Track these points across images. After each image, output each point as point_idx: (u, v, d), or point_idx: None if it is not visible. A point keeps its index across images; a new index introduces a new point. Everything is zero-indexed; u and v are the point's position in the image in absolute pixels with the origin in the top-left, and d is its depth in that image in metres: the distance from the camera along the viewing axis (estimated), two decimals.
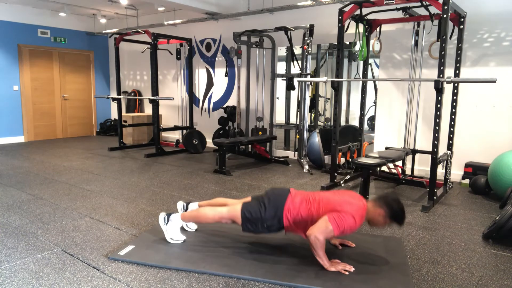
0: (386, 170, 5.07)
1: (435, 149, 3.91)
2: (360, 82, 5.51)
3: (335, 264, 2.52)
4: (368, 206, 2.56)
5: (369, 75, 5.80)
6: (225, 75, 7.07)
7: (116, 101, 7.38)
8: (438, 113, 3.87)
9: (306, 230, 2.53)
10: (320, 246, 2.44)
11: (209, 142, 7.61)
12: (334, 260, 2.56)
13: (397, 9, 4.54)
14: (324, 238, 2.43)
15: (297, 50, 6.19)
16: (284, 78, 6.34)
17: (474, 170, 4.71)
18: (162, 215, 2.91)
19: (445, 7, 3.71)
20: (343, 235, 2.52)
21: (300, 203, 2.62)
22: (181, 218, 2.88)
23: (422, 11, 4.65)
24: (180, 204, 3.18)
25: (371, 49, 5.33)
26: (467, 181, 4.80)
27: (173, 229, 2.90)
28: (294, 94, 7.20)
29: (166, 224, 2.89)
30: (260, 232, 2.69)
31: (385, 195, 2.60)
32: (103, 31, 8.88)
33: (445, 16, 3.72)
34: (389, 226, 2.63)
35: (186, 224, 3.13)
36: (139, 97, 7.32)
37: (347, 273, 2.45)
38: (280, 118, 7.27)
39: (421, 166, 5.18)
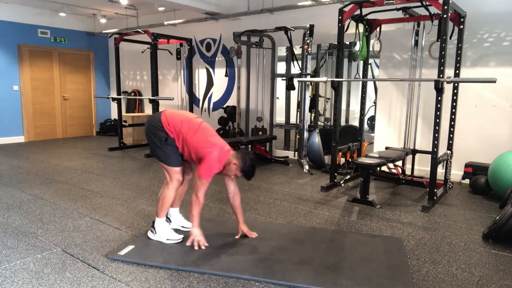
0: (386, 170, 5.07)
1: (435, 149, 3.91)
2: (360, 82, 5.51)
3: (199, 233, 2.79)
4: (231, 154, 2.80)
5: (369, 75, 5.80)
6: (225, 75, 7.07)
7: (116, 101, 7.38)
8: (438, 113, 3.87)
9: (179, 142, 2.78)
10: (196, 207, 2.72)
11: None
12: (201, 232, 2.81)
13: (397, 9, 4.54)
14: (203, 194, 2.72)
15: (297, 50, 6.19)
16: (284, 78, 6.34)
17: (474, 170, 4.71)
18: (148, 232, 2.98)
19: (445, 7, 3.71)
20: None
21: (173, 116, 2.82)
22: (158, 217, 2.91)
23: (422, 11, 4.65)
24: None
25: (371, 49, 5.33)
26: (467, 181, 4.80)
27: (164, 231, 2.92)
28: (294, 94, 7.20)
29: (156, 233, 2.92)
30: (165, 152, 2.80)
31: (245, 151, 2.87)
32: (103, 31, 8.88)
33: (445, 16, 3.72)
34: (238, 177, 2.87)
35: (182, 226, 3.14)
36: (139, 97, 7.32)
37: (196, 247, 2.75)
38: (280, 118, 7.27)
39: (421, 166, 5.18)
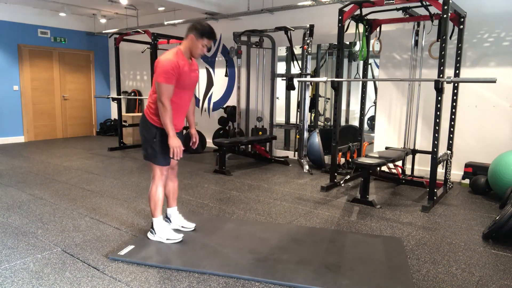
0: (386, 170, 5.07)
1: (435, 149, 3.91)
2: (360, 82, 5.51)
3: (177, 142, 2.71)
4: (181, 44, 2.75)
5: (369, 75, 5.80)
6: (225, 75, 7.07)
7: (116, 101, 7.37)
8: (438, 113, 3.87)
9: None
10: (165, 113, 2.65)
11: (209, 142, 7.61)
12: (178, 140, 2.74)
13: (397, 9, 4.54)
14: (167, 100, 2.65)
15: (297, 50, 6.19)
16: (284, 78, 6.33)
17: (474, 170, 4.71)
18: (148, 233, 2.98)
19: (445, 7, 3.71)
20: (175, 74, 2.66)
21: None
22: (154, 217, 2.91)
23: (422, 11, 4.65)
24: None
25: (371, 49, 5.33)
26: (467, 181, 4.80)
27: (164, 231, 2.92)
28: (294, 94, 7.20)
29: (155, 234, 2.92)
30: (153, 150, 2.82)
31: (190, 24, 2.76)
32: (103, 31, 8.88)
33: (445, 16, 3.72)
34: (205, 46, 2.76)
35: (182, 226, 3.14)
36: (139, 97, 7.32)
37: (177, 158, 2.73)
38: (280, 118, 7.27)
39: (421, 166, 5.18)
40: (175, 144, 2.72)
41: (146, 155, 2.88)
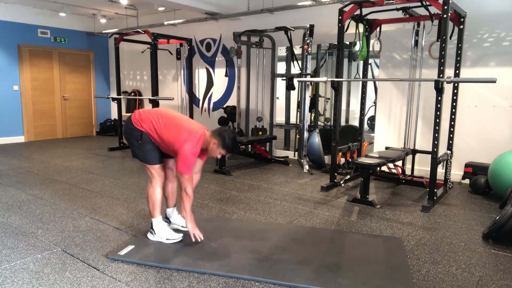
0: (386, 170, 5.07)
1: (435, 149, 3.91)
2: (360, 82, 5.51)
3: (194, 226, 2.85)
4: (206, 135, 2.77)
5: (369, 75, 5.80)
6: (225, 75, 7.07)
7: (116, 101, 7.38)
8: (438, 113, 3.87)
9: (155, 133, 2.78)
10: (187, 202, 2.76)
11: None
12: (195, 225, 2.86)
13: (397, 9, 4.53)
14: (191, 190, 2.75)
15: (297, 50, 6.19)
16: (284, 78, 6.33)
17: (474, 170, 4.71)
18: (147, 234, 2.98)
19: (445, 7, 3.71)
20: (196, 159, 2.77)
21: (147, 114, 2.83)
22: (153, 218, 2.91)
23: (422, 11, 4.64)
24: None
25: (371, 49, 5.33)
26: (467, 181, 4.80)
27: (163, 231, 2.92)
28: (294, 94, 7.20)
29: (155, 234, 2.93)
30: (141, 150, 2.83)
31: (221, 127, 2.83)
32: (103, 31, 8.88)
33: (445, 16, 3.72)
34: (221, 154, 2.81)
35: (182, 226, 3.13)
36: (139, 97, 7.33)
37: (199, 239, 2.83)
38: (280, 118, 7.27)
39: (421, 166, 5.18)
40: (194, 228, 2.85)
41: (137, 157, 2.90)
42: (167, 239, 2.89)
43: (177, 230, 3.06)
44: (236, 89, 6.58)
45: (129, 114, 2.96)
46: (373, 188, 4.68)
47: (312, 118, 6.95)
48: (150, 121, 2.79)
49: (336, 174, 4.75)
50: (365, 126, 6.04)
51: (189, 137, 2.68)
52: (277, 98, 6.80)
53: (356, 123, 5.91)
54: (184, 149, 2.66)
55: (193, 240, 2.84)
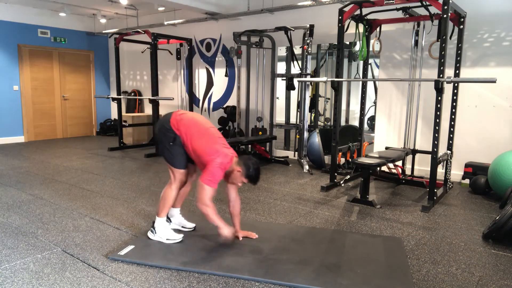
0: (386, 170, 5.07)
1: (435, 149, 3.91)
2: (360, 82, 5.51)
3: (229, 232, 2.78)
4: (236, 160, 2.77)
5: (369, 75, 5.79)
6: (225, 75, 7.07)
7: (116, 101, 7.38)
8: (438, 113, 3.87)
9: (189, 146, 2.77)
10: (210, 212, 2.69)
11: None
12: (230, 228, 2.80)
13: (397, 9, 4.53)
14: (210, 200, 2.68)
15: (297, 50, 6.19)
16: (284, 78, 6.33)
17: (474, 170, 4.71)
18: (148, 232, 2.98)
19: (445, 7, 3.71)
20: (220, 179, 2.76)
21: (183, 118, 2.83)
22: (159, 217, 2.91)
23: (422, 11, 4.65)
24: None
25: (371, 49, 5.33)
26: (467, 181, 4.80)
27: (164, 231, 2.92)
28: (294, 94, 7.20)
29: (156, 233, 2.92)
30: (172, 153, 2.82)
31: (247, 156, 2.82)
32: (103, 31, 8.88)
33: (445, 16, 3.72)
34: (244, 183, 2.79)
35: (183, 226, 3.14)
36: (139, 97, 7.33)
37: (240, 238, 2.91)
38: (280, 118, 7.27)
39: (421, 166, 5.18)
40: (227, 233, 2.78)
41: (164, 157, 2.88)
42: (167, 239, 2.89)
43: (177, 231, 3.06)
44: (236, 89, 6.59)
45: (167, 113, 2.92)
46: (373, 188, 4.68)
47: (312, 118, 6.95)
48: (188, 127, 2.78)
49: (336, 174, 4.75)
50: (365, 126, 6.04)
51: (222, 155, 2.71)
52: (277, 98, 6.80)
53: (356, 123, 5.91)
54: (215, 162, 2.67)
55: (240, 238, 2.93)
